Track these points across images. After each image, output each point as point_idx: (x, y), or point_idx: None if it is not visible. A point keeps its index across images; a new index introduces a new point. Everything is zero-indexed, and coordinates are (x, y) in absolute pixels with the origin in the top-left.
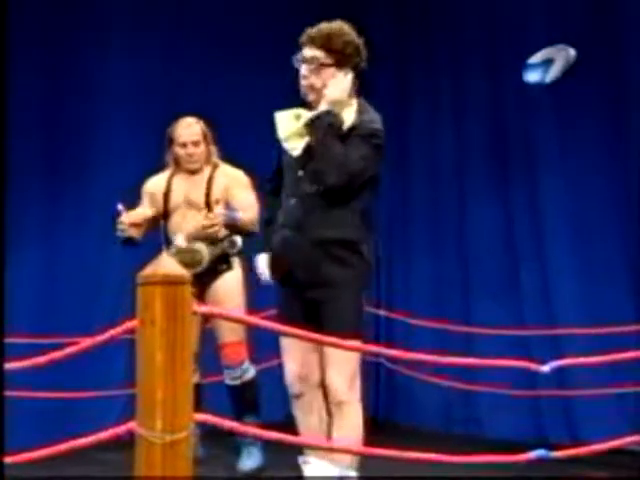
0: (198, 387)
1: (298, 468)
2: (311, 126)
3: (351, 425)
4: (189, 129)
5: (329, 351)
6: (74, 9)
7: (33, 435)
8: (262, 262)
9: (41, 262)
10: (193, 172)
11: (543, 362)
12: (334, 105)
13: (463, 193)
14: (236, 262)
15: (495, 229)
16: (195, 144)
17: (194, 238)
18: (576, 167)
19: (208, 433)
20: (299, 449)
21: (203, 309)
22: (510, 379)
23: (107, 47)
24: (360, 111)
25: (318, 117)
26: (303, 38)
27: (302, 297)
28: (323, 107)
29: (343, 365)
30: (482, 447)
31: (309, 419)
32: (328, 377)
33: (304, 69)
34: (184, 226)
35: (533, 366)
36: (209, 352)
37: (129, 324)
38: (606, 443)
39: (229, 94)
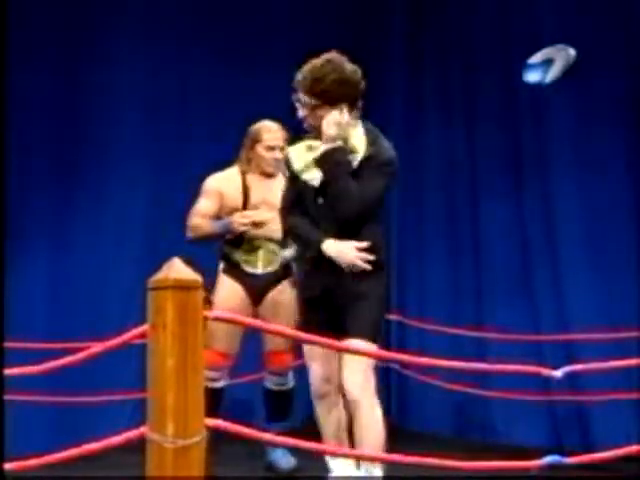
0: (222, 391)
1: (322, 470)
2: (320, 163)
3: (367, 423)
4: (278, 133)
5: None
6: (89, 12)
7: (44, 439)
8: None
9: (53, 266)
10: (269, 175)
11: (557, 367)
12: (335, 141)
13: (476, 198)
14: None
15: (509, 234)
16: (282, 149)
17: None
18: (590, 171)
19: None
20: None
21: (213, 314)
22: (524, 384)
23: (122, 49)
24: (371, 142)
25: (324, 155)
26: (294, 83)
27: (328, 305)
28: (325, 146)
29: (356, 364)
30: (495, 453)
31: (331, 418)
32: (342, 377)
33: (300, 111)
34: (266, 226)
35: (545, 371)
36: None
37: (141, 329)
38: (620, 449)
39: (241, 99)
